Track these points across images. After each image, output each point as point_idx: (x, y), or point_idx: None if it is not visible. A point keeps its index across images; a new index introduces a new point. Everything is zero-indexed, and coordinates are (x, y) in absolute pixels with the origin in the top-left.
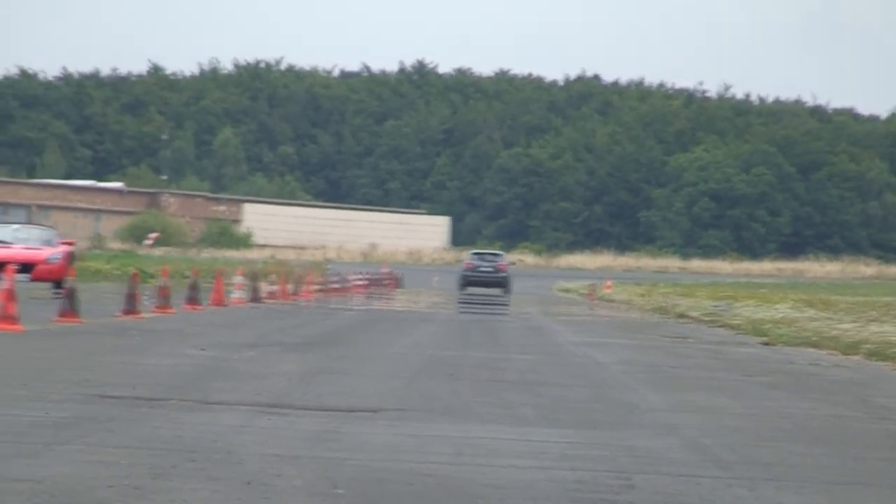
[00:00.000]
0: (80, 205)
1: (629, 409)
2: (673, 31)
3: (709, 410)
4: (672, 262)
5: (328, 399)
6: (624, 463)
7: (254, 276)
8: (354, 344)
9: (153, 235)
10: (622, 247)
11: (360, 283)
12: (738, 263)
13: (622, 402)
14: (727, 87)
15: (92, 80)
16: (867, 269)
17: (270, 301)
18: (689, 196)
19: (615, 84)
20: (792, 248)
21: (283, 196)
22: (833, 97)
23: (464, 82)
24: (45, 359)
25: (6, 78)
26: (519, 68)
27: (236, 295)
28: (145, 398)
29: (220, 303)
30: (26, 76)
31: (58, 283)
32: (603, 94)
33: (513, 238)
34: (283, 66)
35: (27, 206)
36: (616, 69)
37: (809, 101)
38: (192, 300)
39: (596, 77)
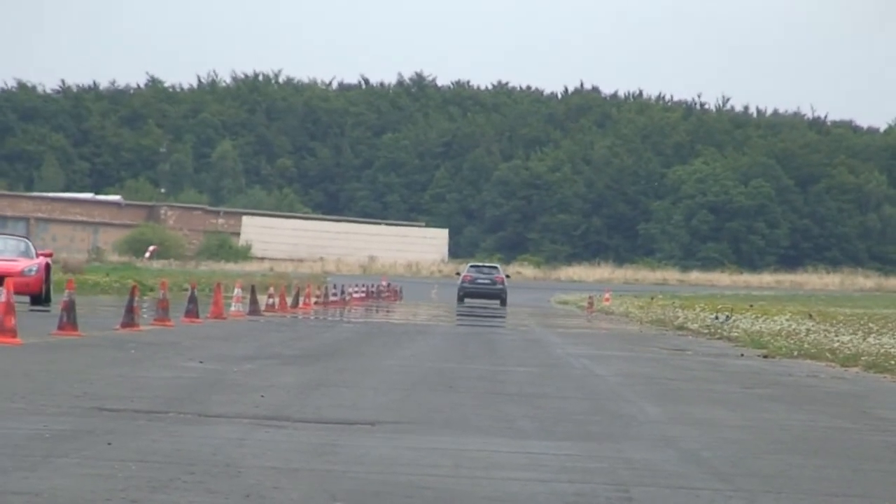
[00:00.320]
0: (78, 218)
1: (628, 422)
2: (671, 43)
3: (707, 423)
4: (671, 275)
5: (327, 412)
6: (622, 475)
7: (252, 289)
8: (353, 356)
9: (151, 248)
10: (621, 259)
11: (359, 295)
12: (737, 276)
13: (621, 414)
14: (726, 100)
15: (90, 93)
16: (866, 281)
17: (269, 314)
18: (687, 208)
19: (614, 97)
20: (790, 260)
21: (282, 209)
22: (832, 109)
23: (462, 95)
24: (44, 372)
25: (4, 91)
26: (517, 81)
27: (235, 308)
28: (144, 411)
29: (219, 315)
30: (24, 89)
31: (35, 297)
32: (602, 106)
33: (512, 250)
34: (281, 79)
35: (26, 219)
36: (615, 82)
37: (808, 113)
38: (191, 313)
39: (595, 89)
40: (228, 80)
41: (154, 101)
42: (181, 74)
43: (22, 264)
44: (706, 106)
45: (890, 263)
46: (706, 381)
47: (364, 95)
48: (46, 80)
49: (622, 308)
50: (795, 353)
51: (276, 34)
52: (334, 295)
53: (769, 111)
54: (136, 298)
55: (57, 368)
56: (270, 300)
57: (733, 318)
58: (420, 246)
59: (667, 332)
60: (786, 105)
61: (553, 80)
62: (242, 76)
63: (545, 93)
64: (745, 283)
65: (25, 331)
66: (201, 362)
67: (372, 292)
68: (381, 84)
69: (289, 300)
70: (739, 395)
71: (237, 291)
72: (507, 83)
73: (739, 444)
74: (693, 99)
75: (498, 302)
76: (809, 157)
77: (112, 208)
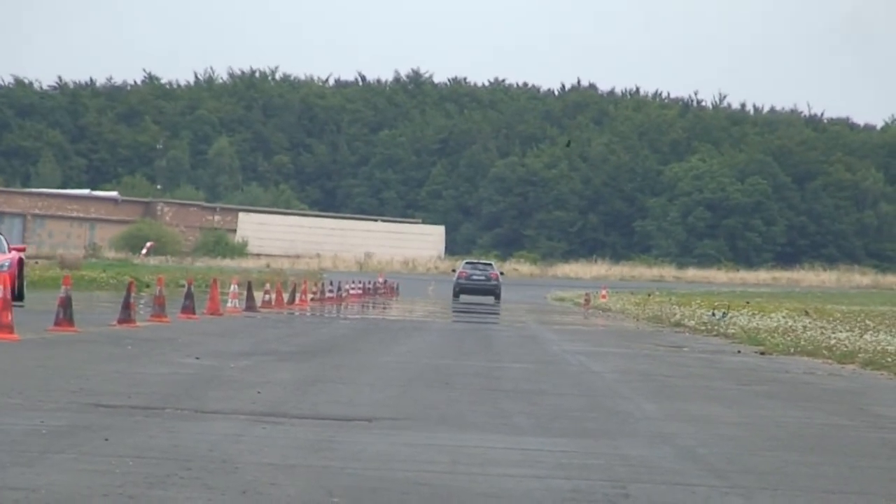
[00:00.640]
0: (75, 214)
1: (624, 419)
2: (668, 40)
3: (704, 419)
4: (667, 272)
5: (323, 408)
6: (619, 472)
7: (249, 286)
8: (350, 353)
9: (148, 244)
10: (617, 256)
11: (356, 292)
12: (734, 273)
13: (617, 411)
14: (723, 97)
15: (87, 90)
16: (862, 278)
17: (266, 310)
18: (684, 205)
19: (611, 93)
20: (787, 257)
21: (279, 205)
22: (828, 107)
23: (459, 92)
24: (41, 368)
25: (1, 87)
26: (514, 78)
27: (231, 304)
28: (141, 407)
29: (215, 312)
30: (21, 85)
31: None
32: (598, 103)
33: (508, 247)
34: (278, 76)
35: (22, 216)
36: (611, 79)
37: (805, 110)
38: (188, 309)
39: (591, 86)
40: (225, 77)
41: (151, 97)
42: (178, 71)
43: None
44: (703, 103)
45: (886, 260)
46: (703, 378)
47: (361, 92)
48: (43, 77)
49: (619, 305)
50: (792, 349)
51: (273, 31)
52: (331, 291)
53: (766, 108)
54: (133, 295)
55: (54, 364)
56: (267, 296)
57: (730, 314)
58: (416, 242)
59: (663, 328)
60: (782, 102)
61: (550, 76)
62: (239, 73)
63: (542, 89)
64: (741, 280)
65: (22, 326)
66: (198, 358)
67: (368, 289)
68: (378, 81)
69: (285, 297)
70: (736, 391)
71: (233, 288)
72: (503, 80)
73: (736, 441)
74: (690, 96)
75: (493, 298)
76: (806, 154)
77: (109, 205)
